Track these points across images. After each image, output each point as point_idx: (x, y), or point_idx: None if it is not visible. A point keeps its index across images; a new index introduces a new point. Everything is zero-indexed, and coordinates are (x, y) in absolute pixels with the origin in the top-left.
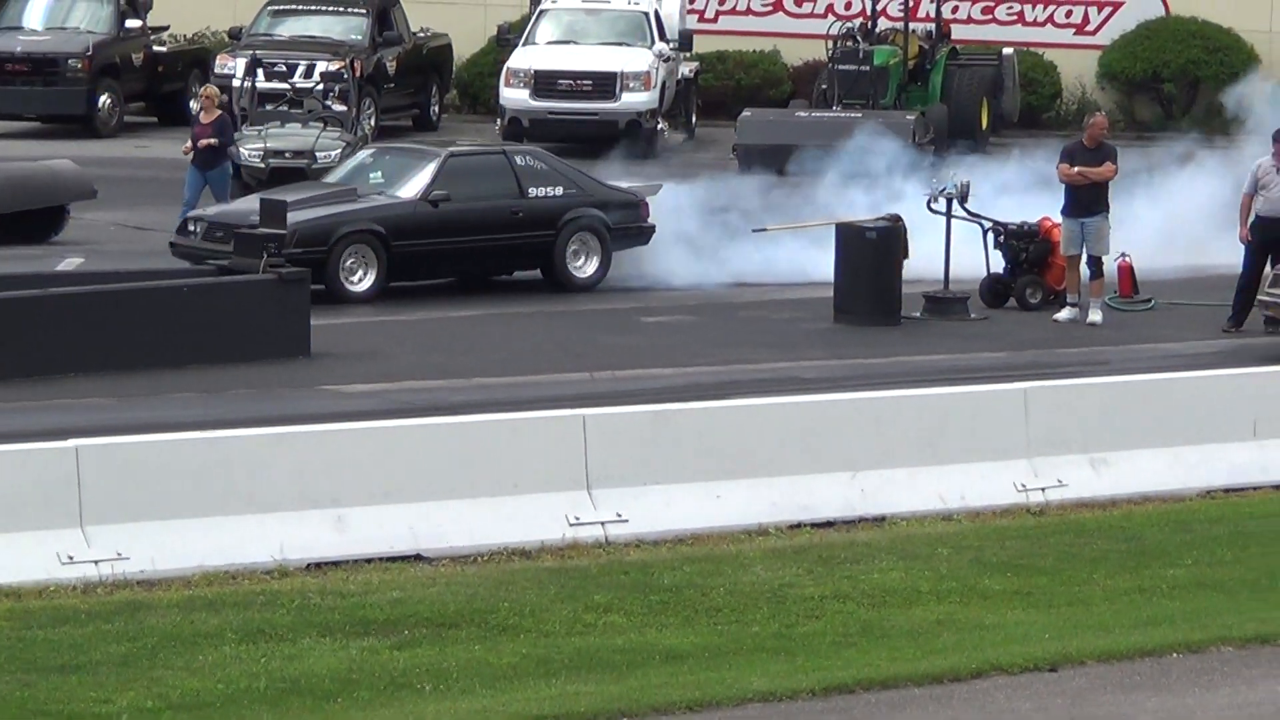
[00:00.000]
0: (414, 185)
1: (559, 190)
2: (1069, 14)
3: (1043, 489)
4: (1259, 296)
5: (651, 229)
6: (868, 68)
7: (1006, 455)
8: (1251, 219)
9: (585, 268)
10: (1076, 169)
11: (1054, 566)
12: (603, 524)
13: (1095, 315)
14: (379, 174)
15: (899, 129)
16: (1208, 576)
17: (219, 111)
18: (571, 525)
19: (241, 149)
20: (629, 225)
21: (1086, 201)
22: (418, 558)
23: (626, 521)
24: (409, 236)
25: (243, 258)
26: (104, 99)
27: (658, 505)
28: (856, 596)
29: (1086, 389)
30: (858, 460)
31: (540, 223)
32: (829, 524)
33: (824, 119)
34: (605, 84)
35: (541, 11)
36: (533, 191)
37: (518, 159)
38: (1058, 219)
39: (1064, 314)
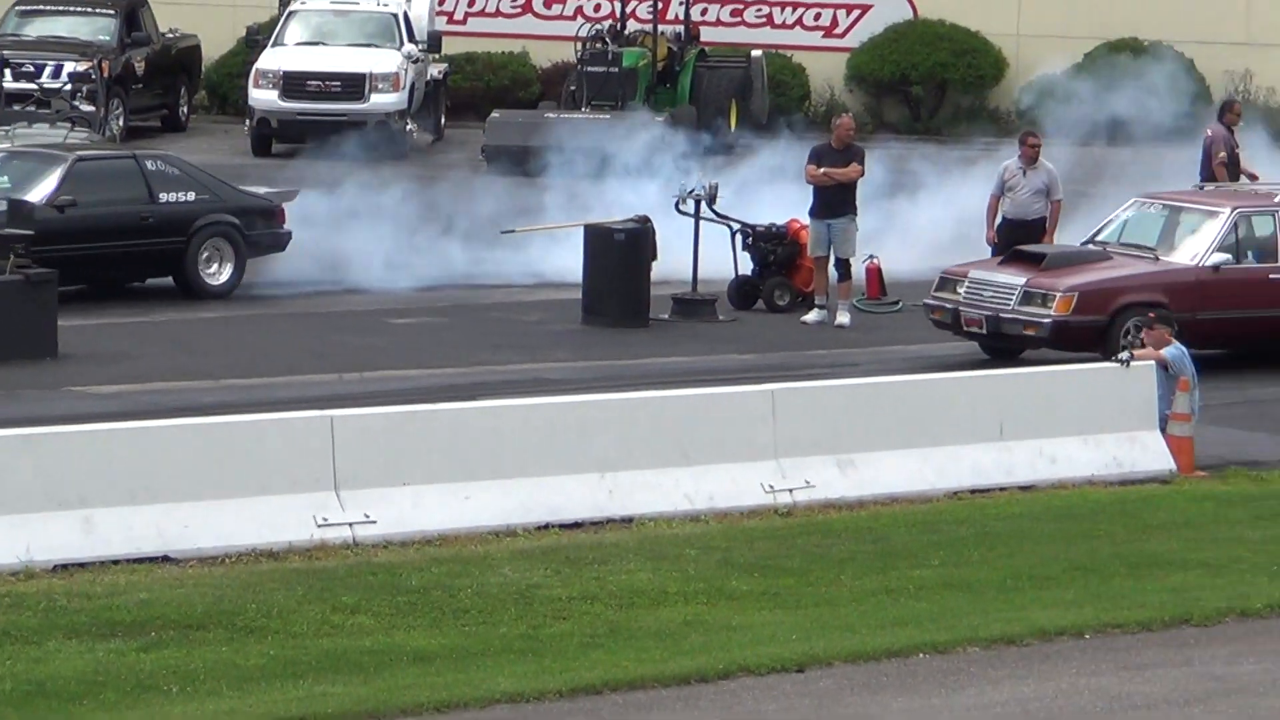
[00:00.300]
0: (40, 190)
1: (191, 196)
2: (817, 17)
3: (790, 490)
4: (925, 300)
5: (288, 235)
6: (616, 69)
7: (754, 456)
8: (998, 221)
9: (218, 275)
10: (822, 170)
11: (801, 567)
12: (351, 525)
13: (843, 317)
14: (5, 179)
15: (648, 130)
16: (954, 577)
17: None
18: (319, 526)
19: None
20: (264, 232)
21: (833, 203)
22: (165, 559)
23: (374, 523)
24: (34, 243)
25: None
26: None
27: (406, 506)
28: (604, 597)
29: (833, 390)
30: (606, 461)
31: (171, 229)
32: (577, 525)
33: (573, 120)
34: (354, 85)
35: (290, 13)
36: (164, 197)
37: (148, 164)
38: (806, 220)
39: (812, 316)
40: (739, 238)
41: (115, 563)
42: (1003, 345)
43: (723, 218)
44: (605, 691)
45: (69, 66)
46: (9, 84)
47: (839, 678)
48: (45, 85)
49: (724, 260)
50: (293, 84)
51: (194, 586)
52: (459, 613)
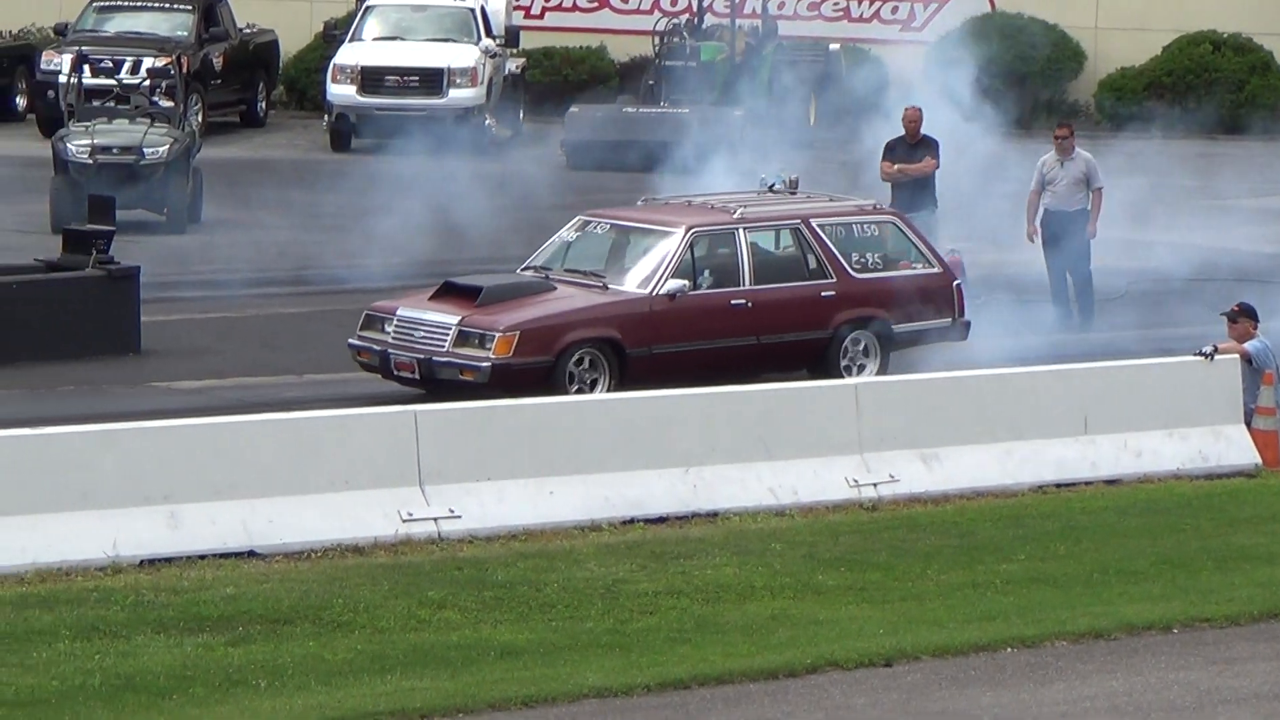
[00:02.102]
0: None
1: None
2: (895, 10)
3: (875, 484)
4: (350, 341)
5: None
6: (695, 63)
7: (838, 450)
8: (1040, 214)
9: None
10: (896, 167)
11: (887, 562)
12: (435, 520)
13: None
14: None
15: (727, 125)
16: (1041, 571)
17: None
18: (404, 521)
19: (69, 145)
20: None
21: (912, 197)
22: (251, 554)
23: (459, 518)
24: None
25: (71, 254)
26: None
27: (490, 501)
28: (690, 592)
29: (917, 385)
30: (690, 456)
31: None
32: (662, 520)
33: (651, 115)
34: (432, 80)
35: (368, 8)
36: None
37: None
38: None
39: None
40: None
41: (201, 558)
42: (441, 391)
43: None
44: (693, 686)
45: (147, 62)
46: (88, 80)
47: (927, 672)
48: (124, 81)
49: None
50: (371, 79)
51: (280, 582)
52: (545, 607)
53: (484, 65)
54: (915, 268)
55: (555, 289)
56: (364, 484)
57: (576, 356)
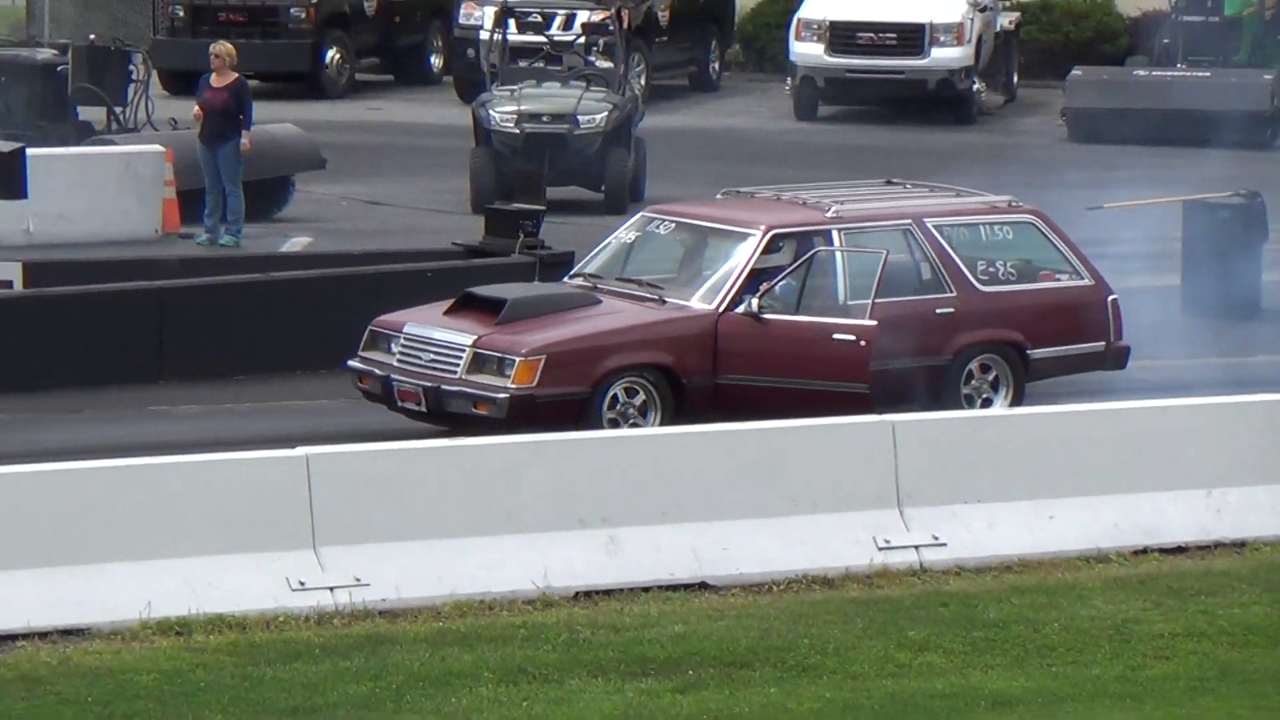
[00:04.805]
0: None
1: None
2: None
3: None
4: (349, 362)
5: None
6: (1217, 18)
7: None
8: None
9: None
10: None
11: None
12: (916, 548)
13: None
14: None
15: (1254, 91)
16: None
17: (234, 75)
18: (880, 549)
19: (492, 112)
20: None
21: None
22: (703, 586)
23: (944, 545)
24: None
25: (496, 237)
26: (332, 54)
27: (979, 526)
28: (1214, 634)
29: None
30: (1214, 476)
31: None
32: (1180, 549)
33: (1166, 79)
34: (912, 37)
35: None
36: None
37: None
38: None
39: None
40: None
41: (645, 590)
42: (452, 427)
43: None
44: None
45: (582, 16)
46: (514, 36)
47: None
48: (555, 38)
49: None
50: (841, 36)
51: (736, 618)
52: (1044, 650)
53: (972, 21)
54: (1059, 279)
55: (599, 303)
56: (832, 505)
57: (618, 387)
